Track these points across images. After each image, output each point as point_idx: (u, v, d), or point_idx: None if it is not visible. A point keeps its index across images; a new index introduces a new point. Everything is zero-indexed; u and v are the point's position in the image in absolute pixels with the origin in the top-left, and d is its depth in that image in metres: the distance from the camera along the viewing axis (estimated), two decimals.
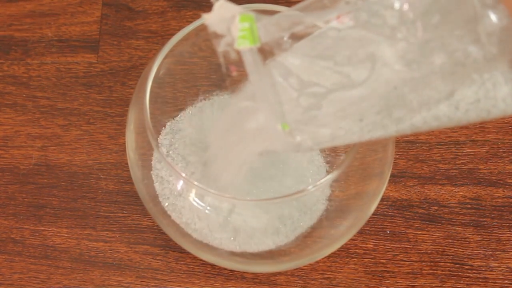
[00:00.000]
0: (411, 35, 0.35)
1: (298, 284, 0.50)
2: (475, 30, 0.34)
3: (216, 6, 0.36)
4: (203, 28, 0.46)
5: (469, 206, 0.52)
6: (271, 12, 0.46)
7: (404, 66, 0.35)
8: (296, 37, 0.38)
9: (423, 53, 0.35)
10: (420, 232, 0.51)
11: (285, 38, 0.37)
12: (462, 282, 0.49)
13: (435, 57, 0.35)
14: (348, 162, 0.42)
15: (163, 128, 0.50)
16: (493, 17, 0.34)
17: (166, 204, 0.47)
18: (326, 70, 0.37)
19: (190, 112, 0.50)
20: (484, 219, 0.51)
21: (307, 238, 0.47)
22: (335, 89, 0.37)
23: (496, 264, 0.50)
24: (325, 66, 0.37)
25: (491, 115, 0.36)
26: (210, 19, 0.36)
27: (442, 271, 0.50)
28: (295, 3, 0.59)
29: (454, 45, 0.35)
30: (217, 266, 0.50)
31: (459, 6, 0.35)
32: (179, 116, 0.50)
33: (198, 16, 0.59)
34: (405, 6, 0.34)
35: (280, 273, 0.50)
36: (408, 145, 0.54)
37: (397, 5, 0.35)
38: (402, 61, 0.35)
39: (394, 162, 0.52)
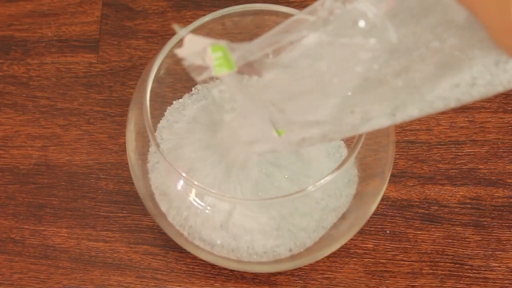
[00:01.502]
0: (384, 37, 0.35)
1: (298, 284, 0.50)
2: (447, 18, 0.34)
3: (186, 41, 0.36)
4: (203, 28, 0.47)
5: (469, 206, 0.52)
6: (271, 12, 0.47)
7: (382, 64, 0.36)
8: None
9: (400, 50, 0.35)
10: (420, 232, 0.51)
11: (270, 56, 0.38)
12: (462, 282, 0.49)
13: (412, 51, 0.35)
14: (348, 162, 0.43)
15: (163, 128, 0.50)
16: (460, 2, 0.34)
17: (166, 204, 0.47)
18: (306, 77, 0.37)
19: (190, 111, 0.50)
20: (484, 219, 0.51)
21: (307, 238, 0.47)
22: (317, 91, 0.37)
23: (496, 264, 0.50)
24: (304, 74, 0.37)
25: (478, 91, 0.36)
26: (183, 53, 0.37)
27: (442, 271, 0.50)
28: (294, 3, 0.59)
29: (429, 37, 0.35)
30: (217, 266, 0.50)
31: (425, 1, 0.35)
32: (178, 115, 0.50)
33: (198, 16, 0.59)
34: (374, 12, 0.35)
35: (280, 273, 0.50)
36: (408, 145, 0.54)
37: (365, 10, 0.35)
38: (379, 60, 0.36)
39: (394, 162, 0.52)
